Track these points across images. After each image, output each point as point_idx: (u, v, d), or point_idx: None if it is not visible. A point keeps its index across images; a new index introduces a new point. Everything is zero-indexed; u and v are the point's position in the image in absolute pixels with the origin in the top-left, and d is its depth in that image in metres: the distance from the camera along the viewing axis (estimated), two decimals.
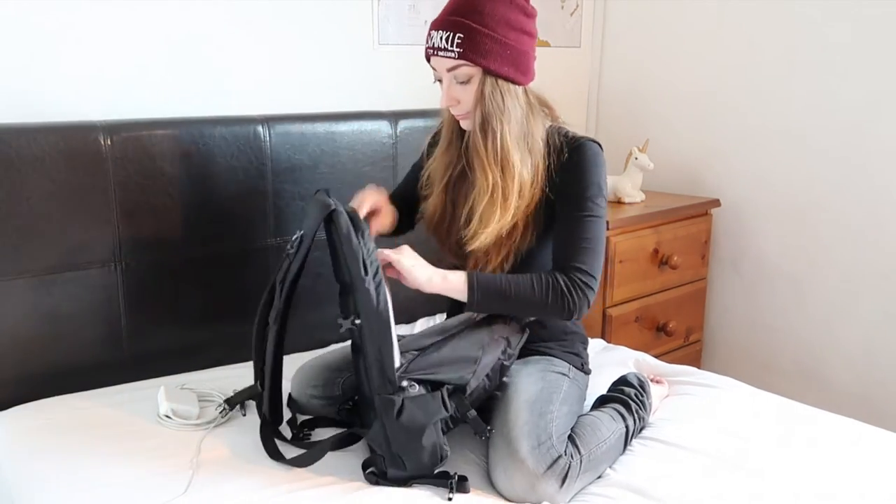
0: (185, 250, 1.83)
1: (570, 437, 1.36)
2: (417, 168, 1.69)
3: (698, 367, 2.05)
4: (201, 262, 1.84)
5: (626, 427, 1.47)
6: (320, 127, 1.99)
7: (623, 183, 2.47)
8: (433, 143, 1.62)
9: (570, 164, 1.43)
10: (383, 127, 2.08)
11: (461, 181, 1.53)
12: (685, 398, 1.69)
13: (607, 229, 2.22)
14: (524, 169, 1.41)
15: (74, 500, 1.27)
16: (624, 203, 2.46)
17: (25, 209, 1.62)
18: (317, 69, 2.17)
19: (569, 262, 1.40)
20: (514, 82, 1.39)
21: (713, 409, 1.62)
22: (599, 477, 1.38)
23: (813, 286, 2.46)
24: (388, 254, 1.37)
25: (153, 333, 1.82)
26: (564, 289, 1.38)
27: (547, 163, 1.44)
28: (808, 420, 1.59)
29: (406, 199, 1.67)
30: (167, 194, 1.78)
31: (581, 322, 1.61)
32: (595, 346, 2.03)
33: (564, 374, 1.51)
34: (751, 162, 2.54)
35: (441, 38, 1.35)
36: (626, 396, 1.54)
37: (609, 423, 1.44)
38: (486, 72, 1.36)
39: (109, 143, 1.69)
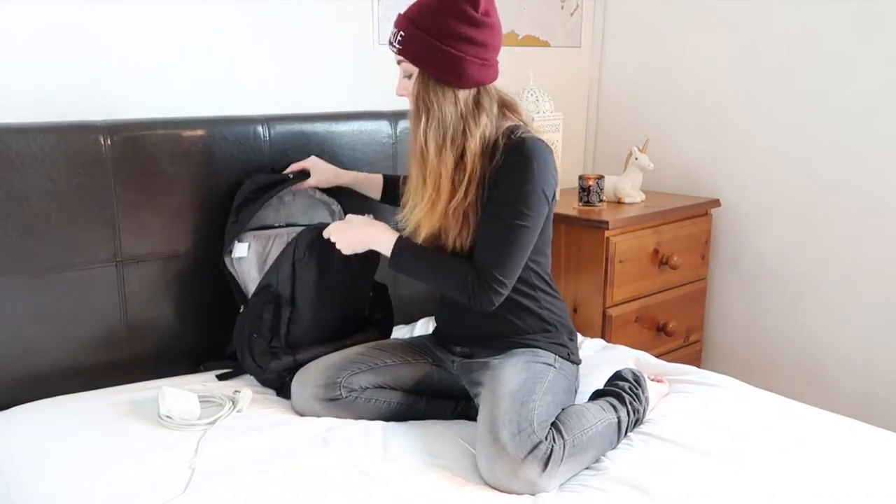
0: (185, 250, 1.83)
1: (553, 424, 1.40)
2: None
3: (698, 367, 2.05)
4: (201, 261, 1.84)
5: (618, 418, 1.48)
6: (320, 127, 1.99)
7: (623, 183, 2.47)
8: None
9: (504, 165, 1.47)
10: (383, 127, 2.08)
11: None
12: (685, 396, 1.69)
13: (607, 229, 2.23)
14: (443, 167, 1.48)
15: (75, 499, 1.27)
16: (624, 203, 2.46)
17: (25, 209, 1.62)
18: (317, 69, 2.17)
19: (485, 264, 1.48)
20: (448, 85, 1.47)
21: (713, 408, 1.62)
22: (590, 468, 1.40)
23: (813, 286, 2.46)
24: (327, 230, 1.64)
25: (153, 333, 1.82)
26: (474, 285, 1.48)
27: (483, 162, 1.49)
28: (807, 420, 1.59)
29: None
30: (167, 194, 1.78)
31: (567, 315, 1.68)
32: (595, 345, 2.03)
33: (550, 365, 1.55)
34: (751, 162, 2.54)
35: (392, 32, 1.50)
36: (619, 389, 1.56)
37: (597, 412, 1.46)
38: (422, 71, 1.48)
39: (109, 143, 1.69)
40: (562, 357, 1.60)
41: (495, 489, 1.32)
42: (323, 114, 2.03)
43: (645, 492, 1.30)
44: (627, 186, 2.47)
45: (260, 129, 1.89)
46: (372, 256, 1.72)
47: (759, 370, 2.59)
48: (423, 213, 1.52)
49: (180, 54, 1.92)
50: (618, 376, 1.64)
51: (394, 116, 2.10)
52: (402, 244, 1.55)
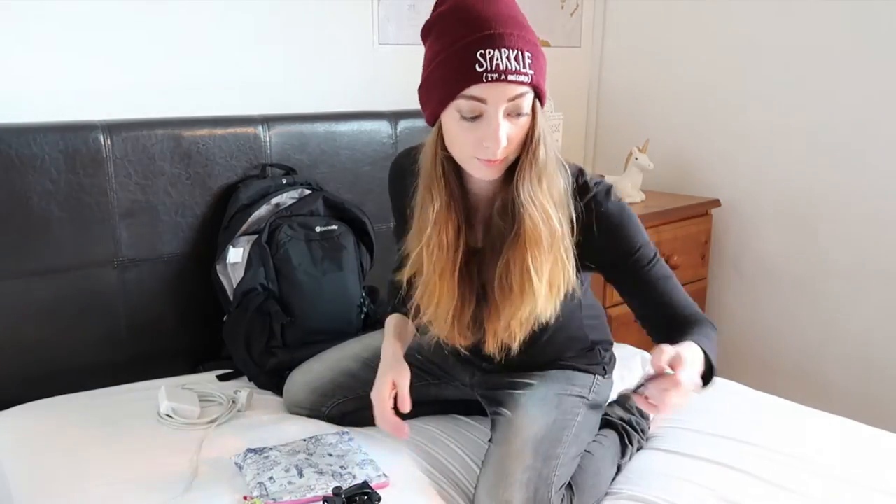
0: (185, 250, 1.83)
1: (569, 483, 1.28)
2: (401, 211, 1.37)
3: None
4: (201, 261, 1.84)
5: (619, 466, 1.41)
6: (320, 127, 1.99)
7: (623, 183, 2.47)
8: (400, 175, 1.37)
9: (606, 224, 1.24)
10: (383, 127, 2.08)
11: (475, 252, 1.26)
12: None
13: None
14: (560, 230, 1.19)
15: (75, 499, 1.27)
16: None
17: (25, 209, 1.62)
18: (317, 69, 2.17)
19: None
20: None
21: (712, 410, 1.62)
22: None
23: (813, 286, 2.46)
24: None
25: (153, 333, 1.82)
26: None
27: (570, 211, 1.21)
28: (808, 421, 1.59)
29: None
30: (167, 194, 1.78)
31: (604, 319, 1.54)
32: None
33: (583, 398, 1.40)
34: (751, 162, 2.54)
35: (510, 56, 1.07)
36: (625, 423, 1.47)
37: (606, 469, 1.36)
38: (539, 97, 1.14)
39: (109, 143, 1.69)
40: (598, 375, 1.46)
41: None
42: (323, 114, 2.03)
43: (644, 499, 1.29)
44: (627, 186, 2.47)
45: (260, 129, 1.89)
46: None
47: (759, 370, 2.59)
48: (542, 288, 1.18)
49: (180, 54, 1.92)
50: (620, 406, 1.55)
51: (394, 116, 2.10)
52: (709, 355, 1.19)
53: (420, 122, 2.11)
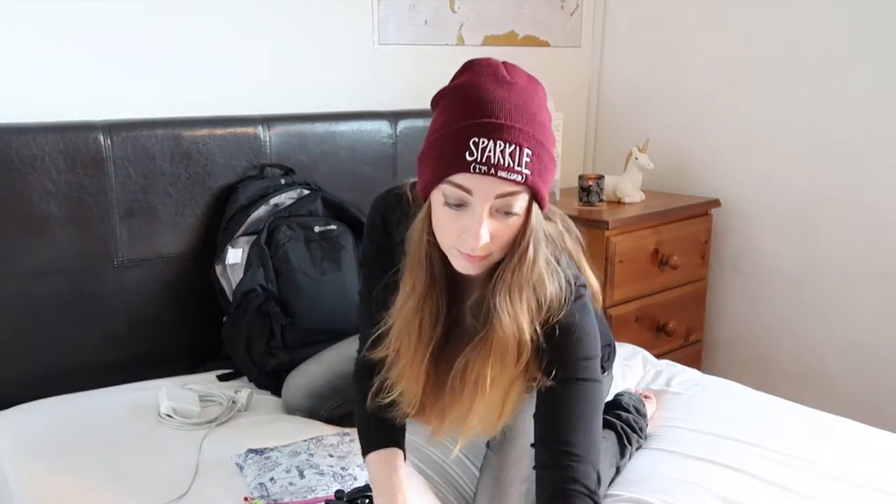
0: (185, 250, 1.83)
1: None
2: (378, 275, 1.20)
3: (698, 367, 2.05)
4: (201, 261, 1.84)
5: (618, 467, 1.41)
6: (320, 127, 1.99)
7: (623, 183, 2.47)
8: (386, 232, 1.21)
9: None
10: (383, 127, 2.08)
11: (452, 339, 1.16)
12: (684, 398, 1.69)
13: (607, 229, 2.23)
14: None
15: (75, 499, 1.27)
16: (624, 203, 2.46)
17: (25, 209, 1.62)
18: (317, 69, 2.17)
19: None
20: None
21: (712, 411, 1.62)
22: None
23: (813, 286, 2.46)
24: None
25: (153, 333, 1.82)
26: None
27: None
28: (807, 420, 1.59)
29: None
30: (167, 194, 1.78)
31: (604, 320, 1.46)
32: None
33: None
34: (751, 162, 2.54)
35: (504, 151, 0.97)
36: (623, 423, 1.47)
37: (606, 471, 1.33)
38: (536, 200, 1.03)
39: (109, 143, 1.69)
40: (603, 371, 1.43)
41: None
42: (323, 114, 2.03)
43: (644, 498, 1.29)
44: (627, 186, 2.47)
45: (260, 129, 1.89)
46: None
47: (759, 370, 2.59)
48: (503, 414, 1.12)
49: (180, 54, 1.92)
50: (619, 405, 1.54)
51: (394, 116, 2.10)
52: None
53: (420, 122, 2.11)
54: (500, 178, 0.97)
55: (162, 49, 1.90)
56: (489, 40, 2.52)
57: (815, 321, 2.47)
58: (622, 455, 1.43)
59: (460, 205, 1.00)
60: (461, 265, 1.06)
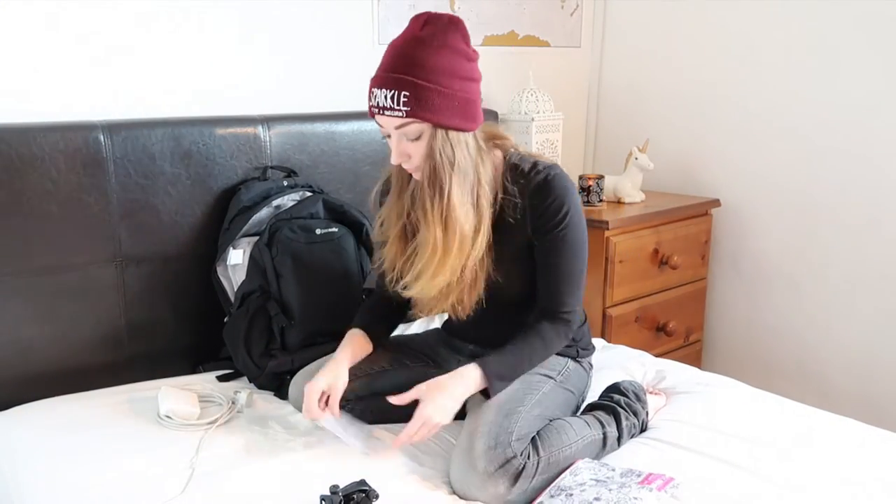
0: (185, 250, 1.83)
1: (532, 438, 1.35)
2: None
3: (698, 367, 2.05)
4: (201, 261, 1.84)
5: (604, 434, 1.44)
6: (320, 127, 1.99)
7: (623, 183, 2.47)
8: (385, 192, 1.56)
9: (542, 210, 1.42)
10: None
11: (418, 228, 1.47)
12: (685, 398, 1.69)
13: (607, 229, 2.23)
14: (467, 224, 1.38)
15: (74, 499, 1.27)
16: (624, 203, 2.46)
17: (25, 209, 1.62)
18: (317, 69, 2.17)
19: (555, 306, 1.46)
20: (463, 131, 1.36)
21: (712, 410, 1.62)
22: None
23: (813, 286, 2.46)
24: (412, 433, 1.35)
25: (153, 333, 1.82)
26: (557, 334, 1.46)
27: (501, 205, 1.42)
28: (808, 420, 1.59)
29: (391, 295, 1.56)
30: (167, 194, 1.78)
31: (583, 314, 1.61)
32: (595, 345, 2.02)
33: (549, 377, 1.50)
34: (751, 162, 2.54)
35: (385, 96, 1.30)
36: (613, 403, 1.52)
37: (580, 429, 1.42)
38: (436, 126, 1.32)
39: (109, 143, 1.69)
40: (571, 358, 1.56)
41: (463, 498, 1.30)
42: (323, 114, 2.03)
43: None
44: (627, 186, 2.47)
45: (260, 129, 1.89)
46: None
47: (759, 370, 2.59)
48: (441, 281, 1.41)
49: (180, 54, 1.92)
50: (614, 388, 1.60)
51: None
52: (491, 369, 1.39)
53: None
54: (387, 116, 1.32)
55: (162, 49, 1.90)
56: (489, 40, 2.52)
57: (814, 321, 2.47)
58: (616, 424, 1.48)
59: (386, 136, 1.38)
60: (413, 175, 1.42)
